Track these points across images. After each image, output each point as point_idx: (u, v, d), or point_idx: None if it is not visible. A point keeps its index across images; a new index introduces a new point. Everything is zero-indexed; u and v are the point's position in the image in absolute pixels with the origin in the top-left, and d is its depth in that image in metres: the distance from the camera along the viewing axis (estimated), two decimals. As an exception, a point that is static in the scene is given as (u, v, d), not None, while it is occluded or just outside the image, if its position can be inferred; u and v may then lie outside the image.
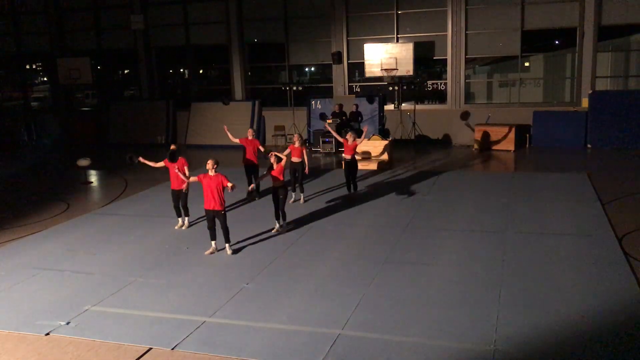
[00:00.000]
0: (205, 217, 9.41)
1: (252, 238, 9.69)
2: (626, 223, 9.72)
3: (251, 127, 12.55)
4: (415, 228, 9.97)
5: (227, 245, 9.02)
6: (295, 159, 11.68)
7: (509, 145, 17.22)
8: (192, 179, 9.24)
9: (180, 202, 10.30)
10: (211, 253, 9.02)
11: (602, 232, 9.32)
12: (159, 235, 10.13)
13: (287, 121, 19.75)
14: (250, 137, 12.20)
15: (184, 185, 10.09)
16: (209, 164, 8.74)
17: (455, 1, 18.21)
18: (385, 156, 15.23)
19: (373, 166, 14.87)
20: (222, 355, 5.93)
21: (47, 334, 6.53)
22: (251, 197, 12.20)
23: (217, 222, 8.92)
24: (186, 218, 10.49)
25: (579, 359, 5.65)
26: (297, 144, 11.55)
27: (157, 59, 22.23)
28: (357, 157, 12.32)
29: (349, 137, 12.04)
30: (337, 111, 17.89)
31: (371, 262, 8.39)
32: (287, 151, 10.98)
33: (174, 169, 9.95)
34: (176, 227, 10.46)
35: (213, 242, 9.08)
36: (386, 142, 15.46)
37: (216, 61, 22.61)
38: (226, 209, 9.10)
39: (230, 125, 19.96)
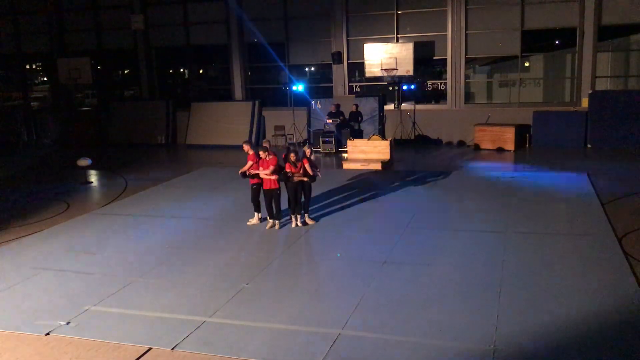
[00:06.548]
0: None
1: (251, 238, 9.71)
2: (626, 223, 9.72)
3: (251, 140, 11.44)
4: (415, 228, 9.96)
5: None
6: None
7: (509, 145, 17.23)
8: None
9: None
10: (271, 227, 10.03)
11: (602, 232, 9.31)
12: (159, 235, 10.13)
13: (287, 121, 19.75)
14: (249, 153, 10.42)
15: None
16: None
17: (455, 1, 18.20)
18: (385, 156, 15.22)
19: (374, 166, 14.86)
20: (222, 355, 5.92)
21: (47, 334, 6.52)
22: None
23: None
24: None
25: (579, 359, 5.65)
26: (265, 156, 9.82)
27: (157, 59, 22.22)
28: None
29: (292, 157, 9.96)
30: (333, 111, 17.81)
31: (371, 262, 8.39)
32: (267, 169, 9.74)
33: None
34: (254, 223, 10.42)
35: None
36: (386, 141, 15.45)
37: (216, 61, 22.60)
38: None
39: (231, 125, 20.15)
